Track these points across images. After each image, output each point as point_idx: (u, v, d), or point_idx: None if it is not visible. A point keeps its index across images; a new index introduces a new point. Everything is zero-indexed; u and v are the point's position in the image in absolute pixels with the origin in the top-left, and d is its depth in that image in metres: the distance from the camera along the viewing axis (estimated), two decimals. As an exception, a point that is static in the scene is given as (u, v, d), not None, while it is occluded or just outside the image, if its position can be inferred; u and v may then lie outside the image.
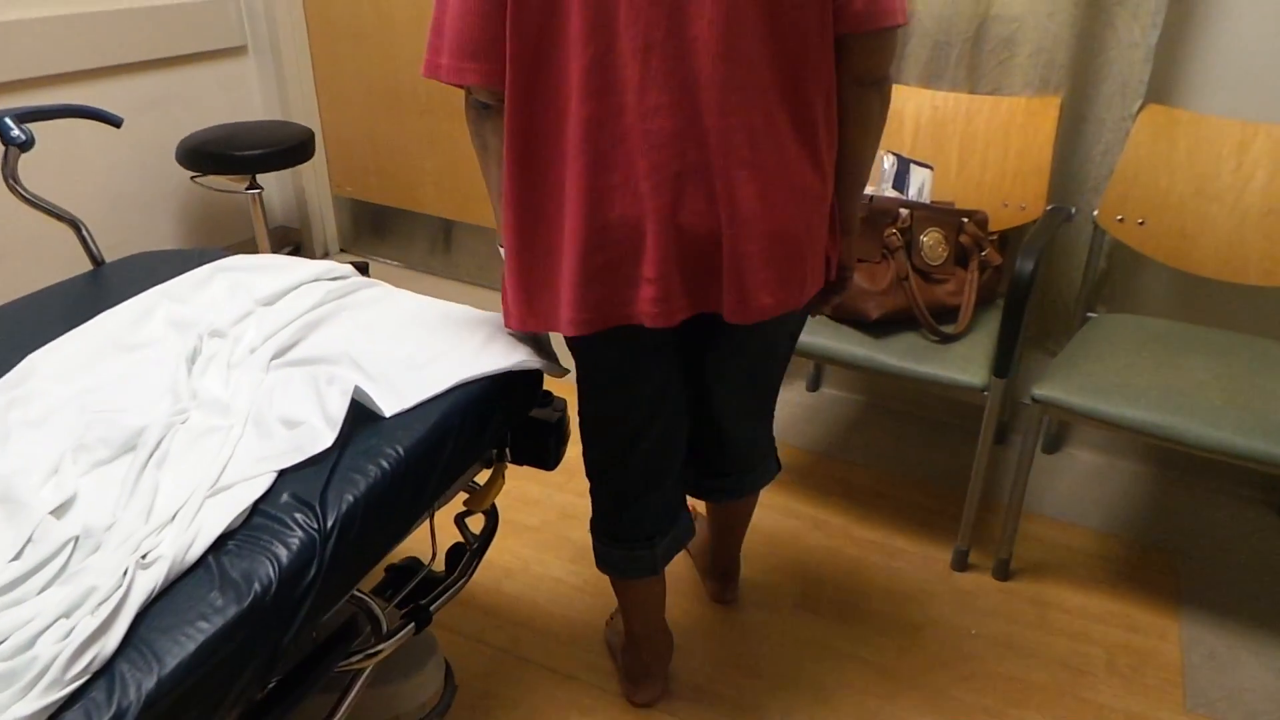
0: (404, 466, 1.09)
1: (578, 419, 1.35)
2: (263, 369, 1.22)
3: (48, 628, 0.84)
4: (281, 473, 1.04)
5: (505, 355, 1.26)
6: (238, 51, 2.91)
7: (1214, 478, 2.09)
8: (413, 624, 1.23)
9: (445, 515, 1.37)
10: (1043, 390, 1.63)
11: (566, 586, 1.80)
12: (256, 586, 0.91)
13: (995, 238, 1.88)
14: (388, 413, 1.15)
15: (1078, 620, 1.74)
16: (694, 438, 1.42)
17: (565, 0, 1.01)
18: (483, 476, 1.40)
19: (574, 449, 1.38)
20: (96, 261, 1.65)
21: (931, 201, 1.88)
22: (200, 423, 1.12)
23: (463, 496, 1.40)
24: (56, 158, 2.46)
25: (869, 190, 1.82)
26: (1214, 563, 1.88)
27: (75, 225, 1.65)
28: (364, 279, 1.50)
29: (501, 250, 1.22)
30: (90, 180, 2.57)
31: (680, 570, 1.83)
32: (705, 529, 1.75)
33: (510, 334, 1.32)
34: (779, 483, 2.10)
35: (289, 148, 2.54)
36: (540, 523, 1.97)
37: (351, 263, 1.59)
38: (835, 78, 1.11)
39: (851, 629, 1.71)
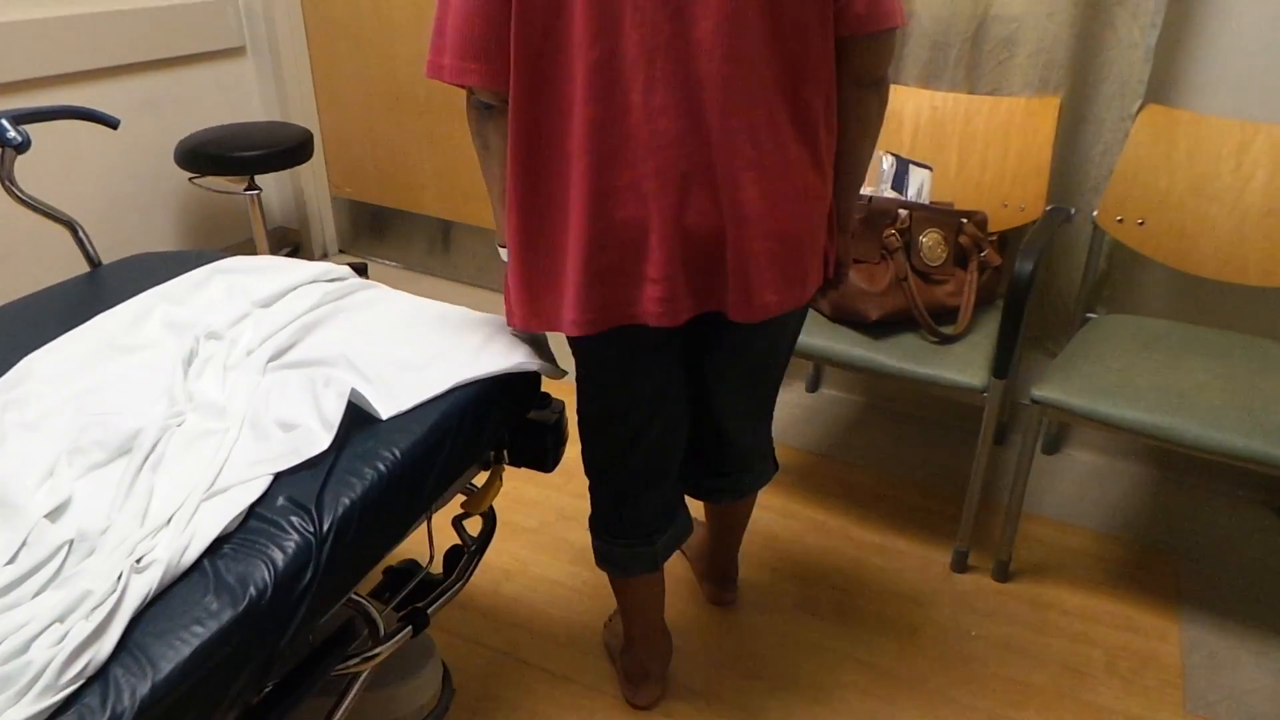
0: (401, 469, 1.09)
1: (577, 418, 1.35)
2: (259, 371, 1.22)
3: (42, 632, 0.84)
4: (278, 475, 1.04)
5: (503, 357, 1.26)
6: (236, 52, 2.90)
7: (1214, 479, 2.09)
8: (410, 627, 1.22)
9: (443, 517, 1.37)
10: (1042, 391, 1.62)
11: (565, 588, 1.80)
12: (252, 590, 0.90)
13: (995, 238, 1.87)
14: (385, 415, 1.14)
15: (1077, 622, 1.73)
16: (694, 437, 1.42)
17: (570, 2, 1.01)
18: (480, 479, 1.39)
19: (572, 450, 1.38)
20: (93, 263, 1.65)
21: (931, 202, 1.88)
22: (196, 425, 1.12)
23: (460, 499, 1.40)
24: (54, 159, 2.45)
25: (868, 191, 1.82)
26: (1214, 564, 1.88)
27: (72, 227, 1.64)
28: (361, 280, 1.50)
29: (500, 250, 1.23)
30: (88, 181, 2.57)
31: (679, 573, 1.82)
32: (703, 532, 1.75)
33: (509, 335, 1.31)
34: (778, 484, 2.10)
35: (287, 149, 2.53)
36: (539, 524, 1.97)
37: (350, 264, 1.59)
38: (835, 78, 1.12)
39: (851, 630, 1.71)
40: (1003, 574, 1.83)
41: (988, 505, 2.03)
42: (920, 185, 1.89)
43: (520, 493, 2.05)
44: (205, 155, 2.48)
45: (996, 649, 1.67)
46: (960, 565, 1.85)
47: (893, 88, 1.85)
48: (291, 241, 3.26)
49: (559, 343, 1.32)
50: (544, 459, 1.39)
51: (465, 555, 1.40)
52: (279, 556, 0.94)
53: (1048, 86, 1.88)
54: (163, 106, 2.71)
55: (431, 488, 1.15)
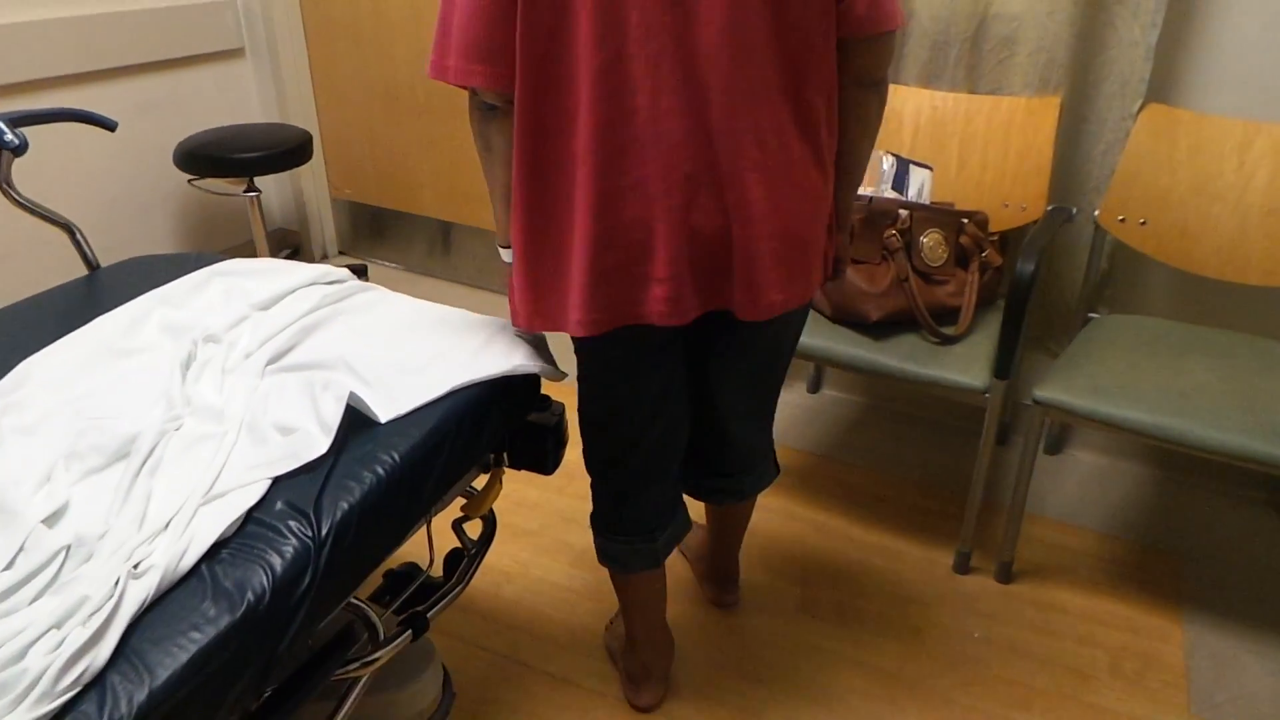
0: (400, 472, 1.08)
1: (579, 417, 1.35)
2: (257, 374, 1.21)
3: (39, 638, 0.83)
4: (276, 480, 1.03)
5: (503, 358, 1.26)
6: (235, 54, 2.90)
7: (1217, 479, 2.08)
8: (410, 631, 1.22)
9: (443, 521, 1.36)
10: (1044, 392, 1.62)
11: (566, 591, 1.79)
12: (250, 595, 0.90)
13: (995, 238, 1.87)
14: (383, 418, 1.14)
15: (1081, 623, 1.73)
16: (695, 437, 1.42)
17: (575, 4, 1.01)
18: (480, 481, 1.39)
19: (573, 452, 1.37)
20: (92, 266, 1.64)
21: (931, 202, 1.87)
22: (194, 429, 1.11)
23: (460, 502, 1.39)
24: (53, 161, 2.45)
25: (869, 191, 1.81)
26: (1217, 564, 1.87)
27: (70, 229, 1.64)
28: (360, 283, 1.49)
29: (501, 251, 1.22)
30: (87, 184, 2.57)
31: (679, 574, 1.82)
32: (704, 533, 1.75)
33: (509, 337, 1.31)
34: (779, 485, 2.09)
35: (287, 150, 2.53)
36: (539, 527, 1.96)
37: (350, 265, 1.58)
38: (836, 79, 1.13)
39: (852, 632, 1.70)
40: (1005, 575, 1.82)
41: (990, 506, 2.02)
42: (921, 185, 1.88)
43: (520, 495, 2.05)
44: (204, 157, 2.47)
45: (999, 651, 1.66)
46: (963, 566, 1.85)
47: (893, 87, 1.85)
48: (291, 243, 3.26)
49: (558, 344, 1.32)
50: (544, 461, 1.39)
51: (465, 558, 1.39)
52: (277, 561, 0.93)
53: (1048, 86, 1.88)
54: (161, 108, 2.70)
55: (431, 491, 1.15)
